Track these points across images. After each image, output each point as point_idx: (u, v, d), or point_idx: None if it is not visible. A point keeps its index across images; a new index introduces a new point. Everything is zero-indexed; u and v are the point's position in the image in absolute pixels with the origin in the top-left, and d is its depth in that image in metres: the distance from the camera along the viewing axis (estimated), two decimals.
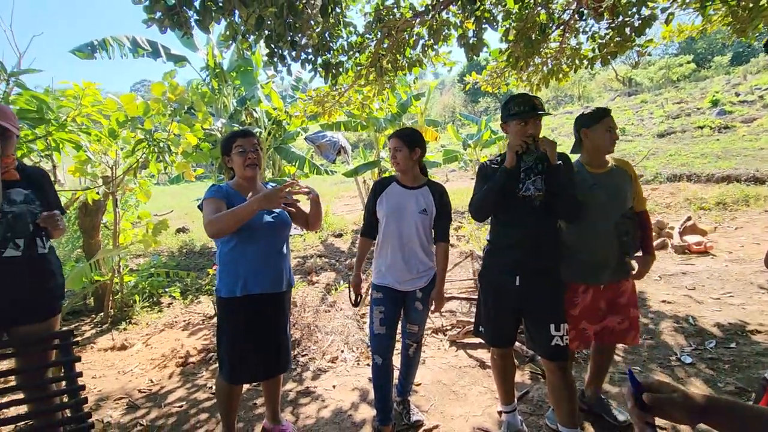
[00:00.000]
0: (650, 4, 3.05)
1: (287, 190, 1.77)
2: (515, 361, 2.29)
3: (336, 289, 4.68)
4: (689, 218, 6.54)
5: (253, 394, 2.70)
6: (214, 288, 4.22)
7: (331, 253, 6.74)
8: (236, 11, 2.54)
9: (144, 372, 3.11)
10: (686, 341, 3.14)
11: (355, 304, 2.38)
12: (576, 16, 3.42)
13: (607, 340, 2.19)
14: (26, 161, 3.11)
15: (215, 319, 4.04)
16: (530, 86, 4.73)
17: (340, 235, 8.00)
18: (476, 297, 4.17)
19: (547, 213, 1.95)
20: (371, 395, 2.63)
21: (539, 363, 2.87)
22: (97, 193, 3.78)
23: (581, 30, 3.70)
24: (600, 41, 3.52)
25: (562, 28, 3.75)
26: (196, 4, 2.42)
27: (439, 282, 2.19)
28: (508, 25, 3.60)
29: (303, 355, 3.21)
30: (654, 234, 6.07)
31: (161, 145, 3.40)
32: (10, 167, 1.80)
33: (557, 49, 4.11)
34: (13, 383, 1.79)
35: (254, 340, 1.96)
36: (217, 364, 3.12)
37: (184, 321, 4.08)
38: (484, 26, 3.24)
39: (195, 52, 7.16)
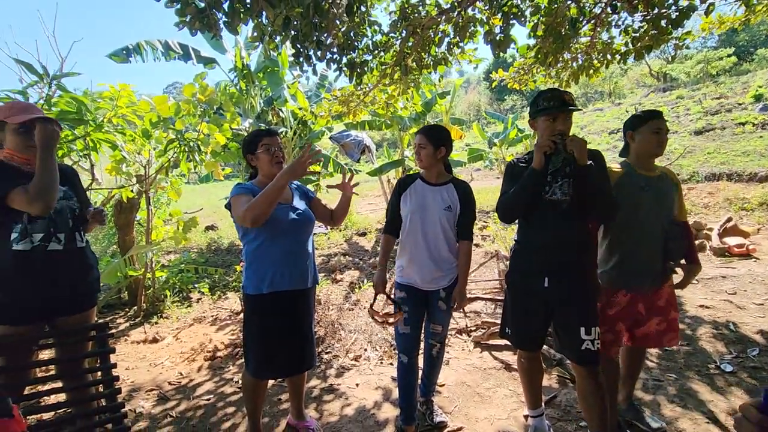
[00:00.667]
0: None
1: (308, 155, 1.83)
2: (543, 364, 2.23)
3: (360, 288, 4.70)
4: (730, 219, 6.22)
5: (278, 390, 2.75)
6: (241, 285, 4.30)
7: (355, 252, 6.77)
8: (263, 12, 2.58)
9: (174, 365, 3.21)
10: (726, 348, 2.98)
11: (373, 315, 2.25)
12: (608, 9, 3.29)
13: (641, 343, 2.11)
14: (66, 161, 3.27)
15: (242, 315, 4.13)
16: (559, 82, 4.61)
17: (364, 234, 8.03)
18: (501, 298, 4.11)
19: (577, 215, 1.88)
20: (394, 394, 2.63)
21: (567, 367, 2.79)
22: (132, 191, 3.93)
23: (613, 23, 3.57)
24: (634, 35, 3.38)
25: (593, 22, 3.63)
26: (225, 6, 2.48)
27: (462, 281, 2.16)
28: (536, 21, 3.52)
29: (327, 353, 3.24)
30: None
31: (191, 144, 3.50)
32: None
33: (588, 44, 3.98)
34: (53, 372, 1.88)
35: (280, 336, 1.99)
36: (243, 360, 3.19)
37: (212, 316, 4.19)
38: (511, 22, 3.18)
39: (224, 54, 7.33)
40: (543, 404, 2.23)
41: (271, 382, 2.59)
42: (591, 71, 4.23)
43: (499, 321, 3.48)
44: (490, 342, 3.29)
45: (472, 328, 3.54)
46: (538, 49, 3.69)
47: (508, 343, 3.05)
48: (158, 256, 5.27)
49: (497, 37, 3.23)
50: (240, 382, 2.82)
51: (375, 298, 2.29)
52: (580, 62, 4.24)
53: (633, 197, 1.96)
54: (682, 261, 2.10)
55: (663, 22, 3.04)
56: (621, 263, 2.01)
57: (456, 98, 11.11)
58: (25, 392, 1.80)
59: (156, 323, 4.06)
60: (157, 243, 4.34)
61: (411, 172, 2.53)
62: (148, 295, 4.36)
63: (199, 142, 3.54)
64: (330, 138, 9.68)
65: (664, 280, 2.05)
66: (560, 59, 4.20)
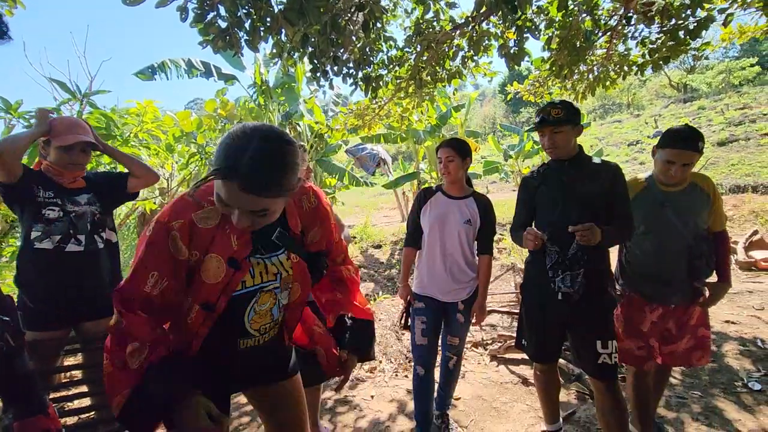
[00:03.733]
0: (706, 6, 2.88)
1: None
2: (560, 378, 2.19)
3: (375, 300, 4.70)
4: (756, 232, 6.03)
5: None
6: None
7: (370, 264, 6.79)
8: (283, 30, 2.68)
9: None
10: (754, 366, 2.87)
11: (405, 326, 2.32)
12: (623, 21, 3.29)
13: (668, 360, 2.05)
14: None
15: None
16: (575, 95, 4.59)
17: (379, 246, 8.05)
18: (518, 311, 4.06)
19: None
20: (409, 407, 2.61)
21: (586, 382, 2.73)
22: (155, 203, 4.05)
23: (629, 35, 3.56)
24: (651, 46, 3.36)
25: (608, 33, 3.63)
26: (246, 25, 2.59)
27: (482, 294, 2.16)
28: (550, 34, 3.54)
29: None
30: None
31: (212, 158, 3.61)
32: (80, 176, 2.01)
33: (604, 56, 3.97)
34: (78, 377, 1.94)
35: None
36: None
37: None
38: (525, 35, 3.20)
39: (243, 71, 7.55)
40: (561, 420, 2.19)
41: None
42: (608, 83, 4.21)
43: (514, 334, 3.43)
44: (507, 356, 3.25)
45: (488, 342, 3.50)
46: (552, 62, 3.70)
47: (525, 357, 3.03)
48: None
49: (511, 51, 3.26)
50: None
51: (407, 309, 2.31)
52: (597, 74, 4.23)
53: (651, 213, 1.92)
54: (712, 278, 2.01)
55: (681, 33, 3.03)
56: (643, 275, 1.98)
57: (471, 111, 11.15)
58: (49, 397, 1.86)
59: None
60: None
61: (426, 185, 2.55)
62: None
63: None
64: (346, 151, 9.81)
65: (694, 298, 1.98)
66: (576, 71, 4.19)
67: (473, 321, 2.20)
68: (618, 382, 1.84)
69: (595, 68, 4.22)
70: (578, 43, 3.43)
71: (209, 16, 2.45)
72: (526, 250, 1.98)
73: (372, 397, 2.78)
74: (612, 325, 1.88)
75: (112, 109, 3.12)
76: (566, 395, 2.64)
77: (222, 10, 2.48)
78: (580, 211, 1.81)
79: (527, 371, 2.97)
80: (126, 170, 2.14)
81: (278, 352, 1.32)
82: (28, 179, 1.84)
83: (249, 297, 1.10)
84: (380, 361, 3.26)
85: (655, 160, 1.96)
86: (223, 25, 2.51)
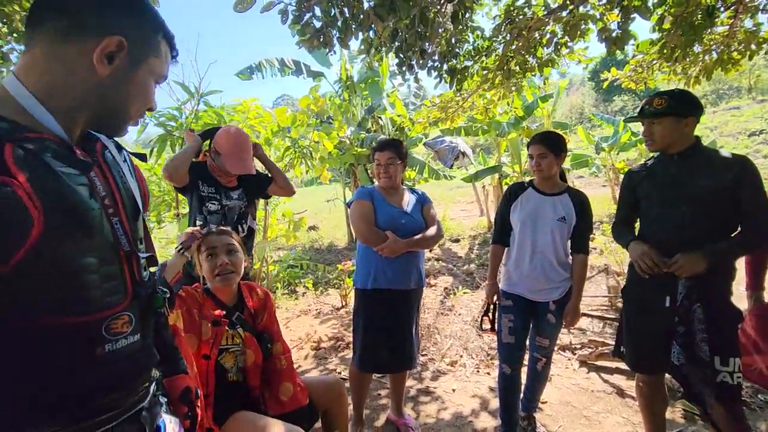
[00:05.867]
0: None
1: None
2: (666, 393, 2.00)
3: (454, 294, 4.68)
4: None
5: (377, 386, 2.86)
6: (341, 282, 4.56)
7: (448, 258, 6.75)
8: (372, 26, 2.75)
9: None
10: None
11: (491, 328, 2.26)
12: None
13: None
14: None
15: (342, 311, 4.39)
16: (686, 79, 4.10)
17: (457, 240, 7.97)
18: (611, 316, 3.77)
19: (707, 236, 1.62)
20: (492, 404, 2.58)
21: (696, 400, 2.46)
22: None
23: (761, 8, 3.08)
24: None
25: (732, 8, 3.16)
26: (339, 23, 2.71)
27: (576, 296, 2.05)
28: (662, 12, 3.19)
29: (423, 355, 3.29)
30: None
31: (304, 151, 3.86)
32: (234, 176, 2.34)
33: (725, 34, 3.48)
34: None
35: (381, 331, 2.10)
36: (344, 352, 3.39)
37: (316, 310, 4.52)
38: (632, 16, 2.93)
39: (329, 68, 7.90)
40: None
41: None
42: (729, 65, 3.69)
43: (606, 340, 3.21)
44: (598, 363, 3.04)
45: (577, 346, 3.31)
46: (663, 44, 3.34)
47: (621, 366, 2.82)
48: (271, 252, 5.84)
49: (613, 34, 3.00)
50: (343, 373, 3.00)
51: (488, 309, 2.27)
52: (714, 55, 3.73)
53: None
54: None
55: None
56: None
57: (557, 101, 10.44)
58: None
59: None
60: (272, 240, 4.83)
61: (507, 181, 2.45)
62: (263, 286, 4.86)
63: (311, 149, 3.88)
64: (424, 144, 9.80)
65: None
66: (689, 53, 3.73)
67: (565, 323, 2.10)
68: (740, 405, 1.64)
69: (713, 49, 3.72)
70: (695, 20, 3.04)
71: (305, 17, 2.61)
72: (623, 250, 1.84)
73: (453, 390, 2.79)
74: (734, 339, 1.67)
75: (221, 107, 3.48)
76: (671, 413, 2.40)
77: (317, 11, 2.62)
78: (689, 210, 1.64)
79: (624, 382, 2.76)
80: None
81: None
82: (195, 176, 2.19)
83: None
84: (461, 356, 3.25)
85: None
86: (318, 24, 2.65)
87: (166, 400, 0.92)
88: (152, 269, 0.87)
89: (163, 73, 0.79)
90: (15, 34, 2.46)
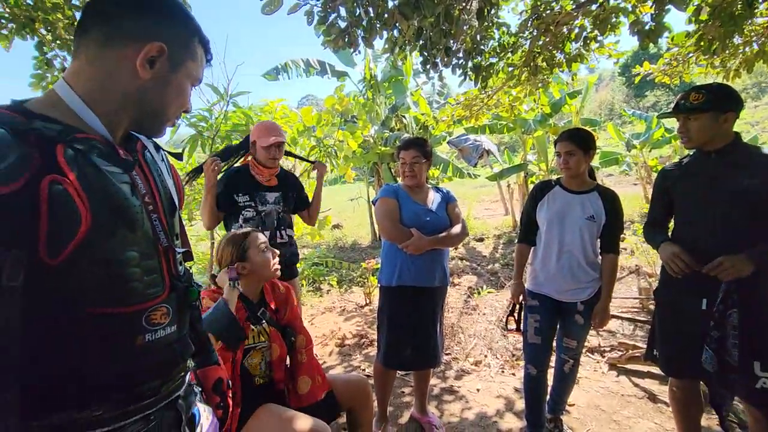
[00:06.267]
0: None
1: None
2: (702, 399, 1.93)
3: (479, 293, 4.63)
4: None
5: (401, 383, 2.87)
6: (365, 280, 4.59)
7: (472, 257, 6.69)
8: (397, 25, 2.76)
9: None
10: None
11: (516, 328, 2.23)
12: None
13: None
14: None
15: (366, 309, 4.42)
16: (725, 73, 3.91)
17: (481, 240, 7.89)
18: (642, 318, 3.65)
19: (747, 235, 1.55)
20: (517, 405, 2.54)
21: (733, 407, 2.36)
22: None
23: None
24: None
25: None
26: (364, 22, 2.72)
27: (605, 296, 2.00)
28: (699, 2, 3.06)
29: (447, 354, 3.27)
30: None
31: (329, 150, 3.91)
32: (273, 174, 2.36)
33: (766, 25, 3.31)
34: None
35: (405, 328, 2.11)
36: (368, 350, 3.42)
37: (341, 307, 4.57)
38: (666, 8, 2.82)
39: (353, 67, 7.95)
40: None
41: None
42: None
43: (637, 343, 3.11)
44: (629, 366, 2.95)
45: (606, 348, 3.22)
46: (700, 36, 3.20)
47: (652, 370, 2.73)
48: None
49: (646, 27, 2.90)
50: (366, 369, 3.03)
51: (513, 309, 2.24)
52: (755, 47, 3.54)
53: None
54: None
55: None
56: None
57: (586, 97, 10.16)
58: None
59: None
60: (297, 237, 4.92)
61: (532, 179, 2.40)
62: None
63: (336, 148, 3.93)
64: (448, 142, 9.73)
65: None
66: (728, 45, 3.56)
67: (593, 324, 2.05)
68: None
69: (754, 40, 3.54)
70: (735, 10, 2.90)
71: (331, 18, 2.64)
72: (655, 251, 1.78)
73: (478, 390, 2.77)
74: None
75: (249, 107, 3.57)
76: (706, 420, 2.31)
77: (342, 11, 2.65)
78: (728, 210, 1.57)
79: (655, 386, 2.67)
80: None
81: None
82: (231, 190, 2.26)
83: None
84: (485, 356, 3.22)
85: None
86: (343, 25, 2.68)
87: (200, 389, 0.96)
88: (188, 264, 0.91)
89: (198, 76, 0.82)
90: (58, 41, 2.58)
